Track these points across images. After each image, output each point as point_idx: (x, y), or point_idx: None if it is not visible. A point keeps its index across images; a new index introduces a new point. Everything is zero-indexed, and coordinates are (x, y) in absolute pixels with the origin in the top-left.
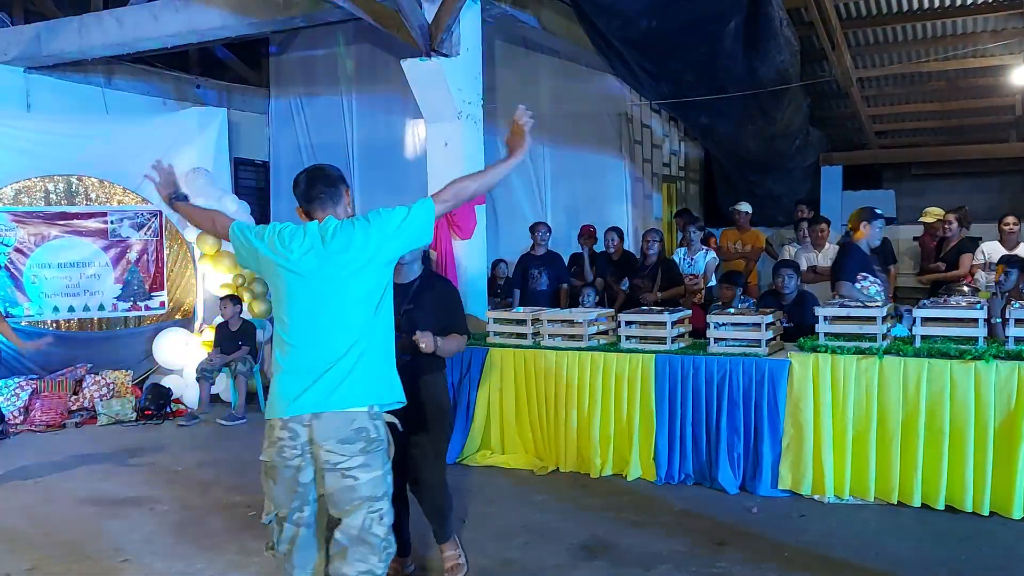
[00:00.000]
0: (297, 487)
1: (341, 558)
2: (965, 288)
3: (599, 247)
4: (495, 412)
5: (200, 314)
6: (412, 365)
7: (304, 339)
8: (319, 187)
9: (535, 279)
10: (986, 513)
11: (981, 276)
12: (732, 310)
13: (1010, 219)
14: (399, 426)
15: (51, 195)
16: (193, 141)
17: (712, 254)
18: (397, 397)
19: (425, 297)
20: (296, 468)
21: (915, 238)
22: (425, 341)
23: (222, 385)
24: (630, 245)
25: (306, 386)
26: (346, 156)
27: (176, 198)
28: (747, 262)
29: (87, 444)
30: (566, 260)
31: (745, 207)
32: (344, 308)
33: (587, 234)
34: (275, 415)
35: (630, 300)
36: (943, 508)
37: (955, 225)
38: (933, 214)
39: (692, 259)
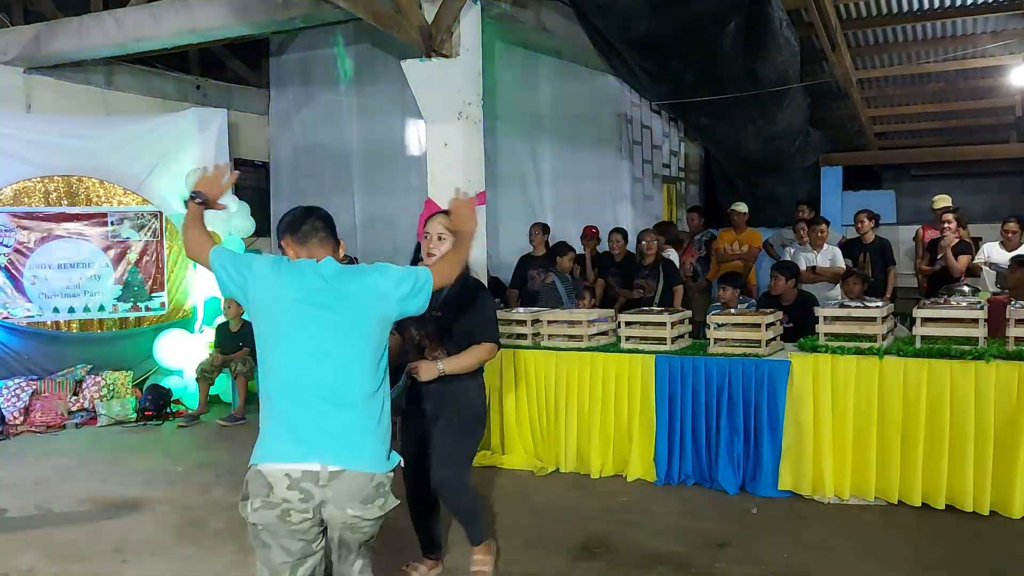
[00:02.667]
0: (301, 551)
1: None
2: (965, 288)
3: (603, 247)
4: (495, 412)
5: (200, 315)
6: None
7: (312, 381)
8: (321, 224)
9: (534, 280)
10: (987, 513)
11: (986, 276)
12: (732, 311)
13: (1011, 225)
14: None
15: (51, 196)
16: (193, 142)
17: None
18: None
19: (456, 303)
20: (303, 532)
21: (913, 238)
22: (421, 369)
23: (222, 386)
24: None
25: (318, 433)
26: (346, 156)
27: (198, 199)
28: (744, 263)
29: (87, 445)
30: None
31: (742, 207)
32: (357, 355)
33: (590, 235)
34: (275, 460)
35: (632, 301)
36: (944, 508)
37: (954, 224)
38: (942, 200)
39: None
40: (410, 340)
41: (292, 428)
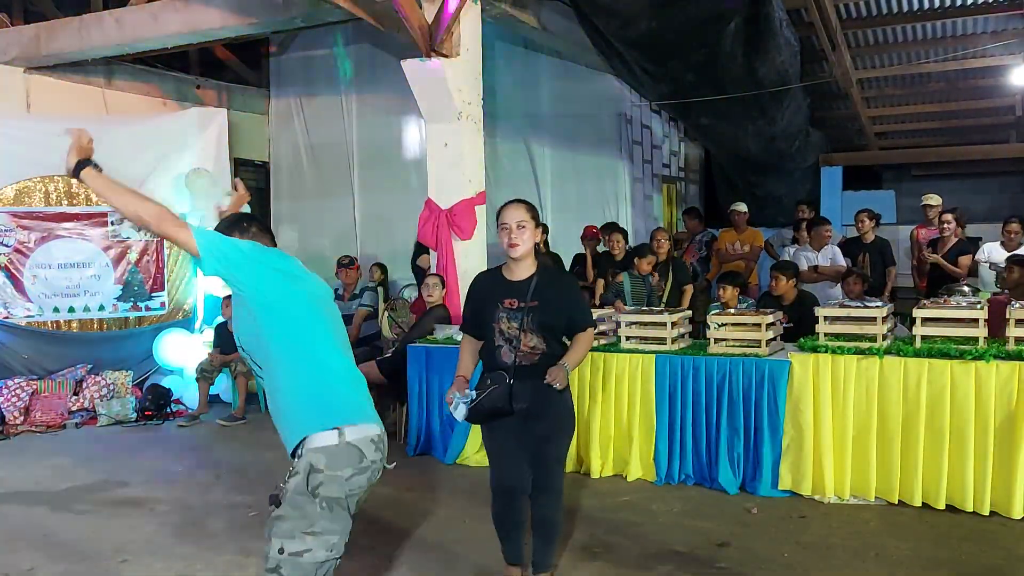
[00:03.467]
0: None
1: None
2: (966, 288)
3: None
4: None
5: (200, 314)
6: (539, 365)
7: (346, 355)
8: (258, 226)
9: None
10: (986, 513)
11: (984, 275)
12: (732, 310)
13: (1014, 226)
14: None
15: (51, 195)
16: (193, 141)
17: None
18: None
19: (547, 293)
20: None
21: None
22: (558, 378)
23: (222, 385)
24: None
25: (368, 398)
26: (346, 156)
27: (87, 164)
28: (747, 262)
29: (87, 445)
30: (568, 260)
31: (742, 207)
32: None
33: (590, 235)
34: (365, 420)
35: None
36: (944, 508)
37: (953, 225)
38: (931, 198)
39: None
40: (500, 334)
41: (358, 389)
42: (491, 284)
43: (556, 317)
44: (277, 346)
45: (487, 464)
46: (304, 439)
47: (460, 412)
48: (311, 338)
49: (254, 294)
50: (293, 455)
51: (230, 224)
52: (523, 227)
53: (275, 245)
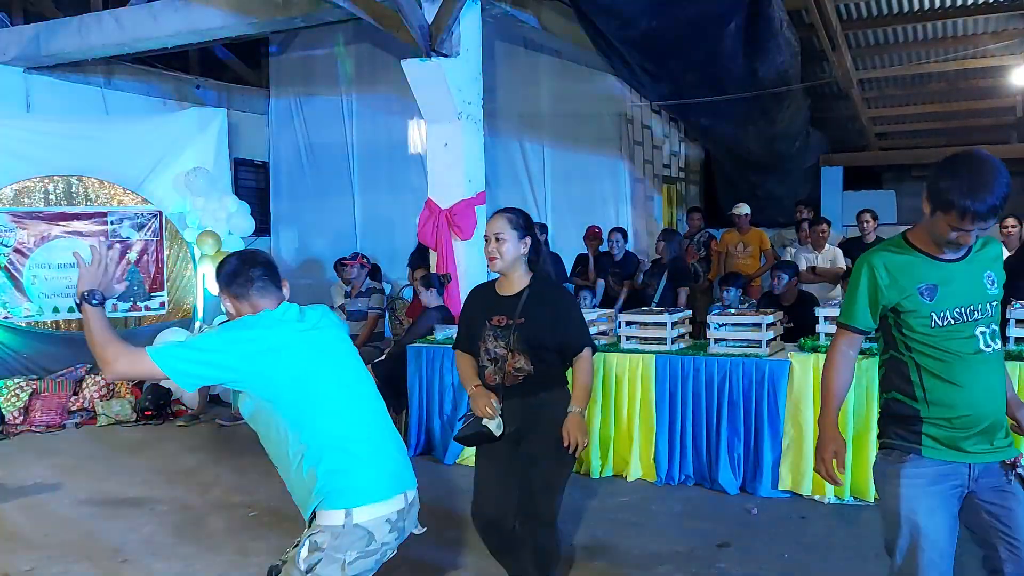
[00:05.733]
0: None
1: None
2: None
3: (604, 247)
4: None
5: (200, 314)
6: (526, 385)
7: (366, 418)
8: (259, 272)
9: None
10: None
11: None
12: (732, 311)
13: (1010, 220)
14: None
15: (51, 196)
16: (193, 141)
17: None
18: None
19: (536, 310)
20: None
21: None
22: (575, 437)
23: (222, 386)
24: (631, 246)
25: (396, 466)
26: (346, 156)
27: (95, 298)
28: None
29: (87, 444)
30: (570, 261)
31: (744, 209)
32: (373, 387)
33: (592, 235)
34: (382, 497)
35: (635, 300)
36: None
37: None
38: None
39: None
40: (487, 353)
41: (381, 463)
42: (482, 299)
43: (545, 335)
44: (285, 432)
45: None
46: (315, 511)
47: (495, 425)
48: (318, 418)
49: (248, 389)
50: (309, 523)
51: (229, 277)
52: (501, 239)
53: (280, 287)
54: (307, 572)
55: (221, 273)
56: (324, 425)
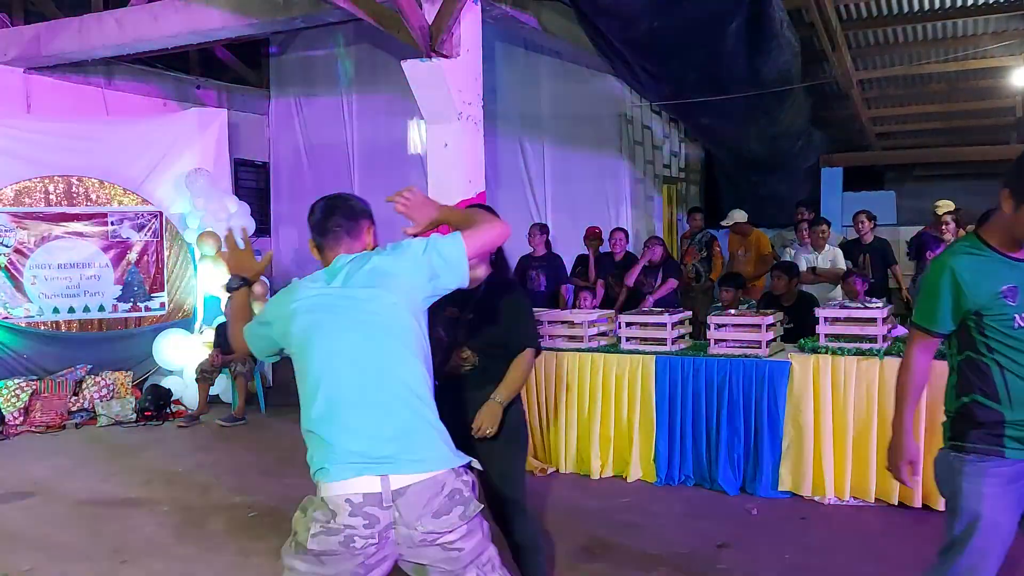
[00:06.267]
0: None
1: None
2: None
3: (605, 248)
4: None
5: (200, 314)
6: (476, 377)
7: (349, 393)
8: (336, 218)
9: (533, 280)
10: None
11: None
12: (732, 311)
13: None
14: (479, 465)
15: (51, 196)
16: (193, 142)
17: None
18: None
19: (490, 306)
20: (368, 556)
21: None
22: (485, 423)
23: (222, 386)
24: (632, 247)
25: (370, 446)
26: (346, 157)
27: (238, 283)
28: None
29: (87, 445)
30: (569, 261)
31: (741, 216)
32: (390, 353)
33: (593, 235)
34: (333, 478)
35: (633, 299)
36: (943, 509)
37: (952, 226)
38: (945, 206)
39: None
40: (438, 342)
41: (344, 441)
42: None
43: (492, 333)
44: None
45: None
46: None
47: None
48: (304, 386)
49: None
50: None
51: (312, 227)
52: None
53: (356, 234)
54: (294, 523)
55: (309, 220)
56: (307, 395)
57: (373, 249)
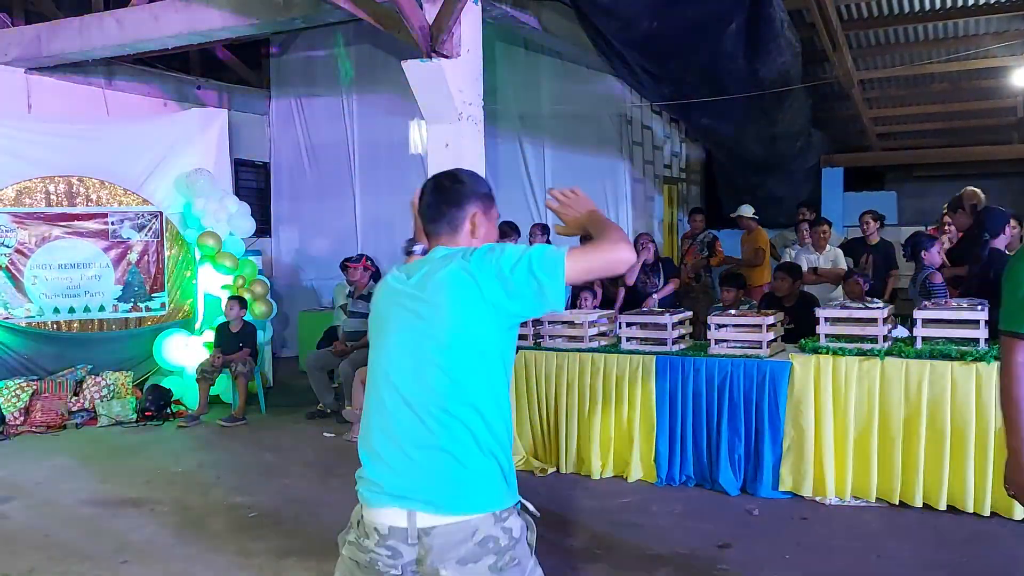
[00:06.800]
0: None
1: None
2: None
3: None
4: None
5: (200, 314)
6: None
7: (380, 414)
8: (439, 207)
9: None
10: (987, 514)
11: None
12: (733, 311)
13: (1011, 222)
14: (534, 509)
15: (52, 196)
16: (194, 142)
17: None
18: (517, 495)
19: None
20: None
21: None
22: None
23: (222, 386)
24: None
25: (393, 479)
26: (346, 157)
27: (408, 247)
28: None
29: (87, 445)
30: None
31: (748, 211)
32: (438, 376)
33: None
34: (365, 501)
35: (632, 298)
36: (945, 509)
37: (953, 227)
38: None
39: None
40: None
41: (377, 466)
42: None
43: None
44: None
45: None
46: None
47: None
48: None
49: None
50: None
51: (420, 211)
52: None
53: (447, 225)
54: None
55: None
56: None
57: (481, 239)
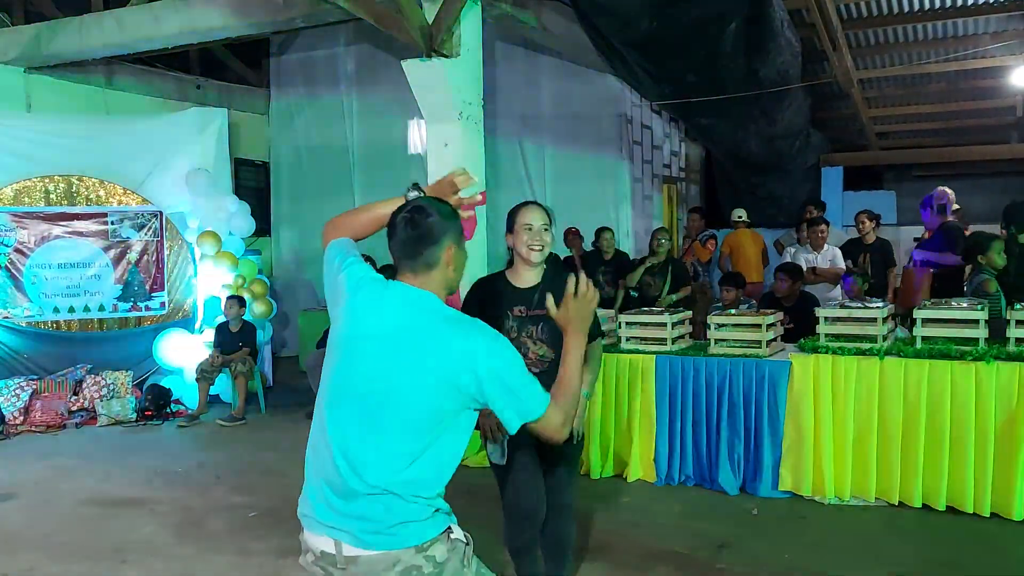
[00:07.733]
0: None
1: None
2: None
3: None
4: None
5: (200, 314)
6: (547, 373)
7: (321, 439)
8: (416, 247)
9: None
10: (987, 514)
11: None
12: (733, 311)
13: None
14: (468, 540)
15: (51, 195)
16: (193, 141)
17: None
18: (446, 522)
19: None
20: None
21: (915, 239)
22: (580, 422)
23: (222, 386)
24: (630, 246)
25: (324, 509)
26: (346, 156)
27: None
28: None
29: (87, 445)
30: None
31: (741, 214)
32: (395, 437)
33: (572, 235)
34: (302, 524)
35: (638, 299)
36: (944, 509)
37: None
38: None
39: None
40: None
41: (311, 491)
42: (497, 291)
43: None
44: None
45: (484, 465)
46: None
47: (496, 456)
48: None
49: None
50: None
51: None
52: (547, 230)
53: (405, 259)
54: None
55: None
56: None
57: (454, 268)
